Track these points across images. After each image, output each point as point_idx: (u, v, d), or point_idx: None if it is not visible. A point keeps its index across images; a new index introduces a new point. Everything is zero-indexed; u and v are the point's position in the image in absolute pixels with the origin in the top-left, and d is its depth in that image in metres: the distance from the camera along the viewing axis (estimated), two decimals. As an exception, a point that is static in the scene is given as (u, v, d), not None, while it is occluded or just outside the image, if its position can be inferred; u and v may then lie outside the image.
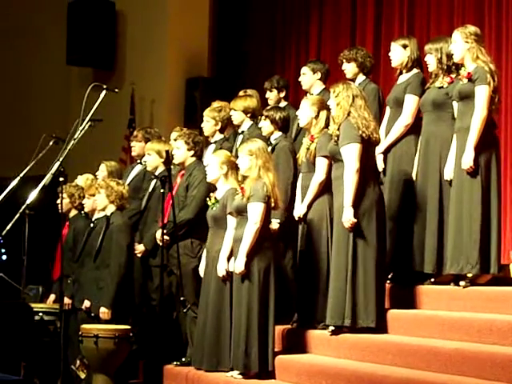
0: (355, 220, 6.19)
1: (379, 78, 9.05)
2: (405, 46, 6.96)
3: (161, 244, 6.83)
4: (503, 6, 8.47)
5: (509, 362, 5.15)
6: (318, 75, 7.68)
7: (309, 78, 7.70)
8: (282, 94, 8.06)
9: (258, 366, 6.30)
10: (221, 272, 6.59)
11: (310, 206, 6.71)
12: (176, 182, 7.39)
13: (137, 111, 11.07)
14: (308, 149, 6.77)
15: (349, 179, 6.23)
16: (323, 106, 6.79)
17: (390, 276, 6.84)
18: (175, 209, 6.85)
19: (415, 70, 6.94)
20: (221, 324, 6.60)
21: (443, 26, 8.86)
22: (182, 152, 7.39)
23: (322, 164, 6.66)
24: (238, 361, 6.35)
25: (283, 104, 7.97)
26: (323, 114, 6.77)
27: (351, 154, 6.25)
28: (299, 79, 7.81)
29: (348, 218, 6.19)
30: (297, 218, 6.82)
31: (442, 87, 6.65)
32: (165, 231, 6.78)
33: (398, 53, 6.99)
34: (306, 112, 6.84)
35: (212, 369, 6.60)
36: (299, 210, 6.79)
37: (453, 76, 6.63)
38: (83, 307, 7.51)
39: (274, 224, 6.88)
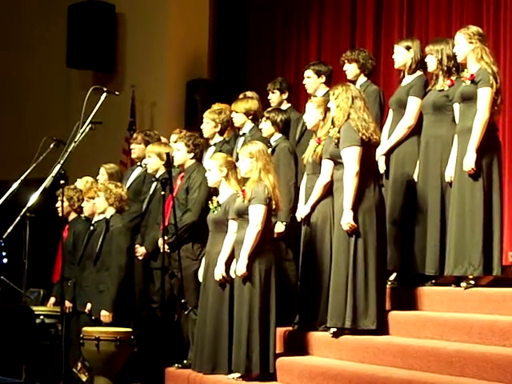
0: (355, 225, 6.19)
1: (379, 80, 9.06)
2: (408, 48, 6.94)
3: (162, 250, 6.82)
4: (501, 7, 8.49)
5: (510, 363, 5.14)
6: (323, 78, 7.61)
7: (313, 82, 7.63)
8: (285, 96, 8.01)
9: (260, 368, 6.29)
10: (218, 276, 6.57)
11: (313, 208, 6.68)
12: (176, 185, 7.38)
13: (137, 113, 11.07)
14: (314, 151, 6.74)
15: (348, 182, 6.23)
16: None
17: (391, 277, 6.85)
18: (176, 211, 6.85)
19: (418, 73, 6.92)
20: (219, 327, 6.57)
21: (442, 28, 8.91)
22: (181, 154, 7.38)
23: (327, 166, 6.61)
24: (240, 363, 6.33)
25: (286, 106, 7.93)
26: (329, 114, 6.74)
27: (351, 157, 6.24)
28: (303, 82, 7.74)
29: (347, 220, 6.19)
30: (299, 220, 6.80)
31: (443, 90, 6.65)
32: (166, 238, 6.76)
33: (402, 55, 6.97)
34: (312, 114, 6.81)
35: (209, 372, 6.58)
36: (302, 212, 6.77)
37: (453, 78, 6.63)
38: (86, 310, 7.51)
39: (280, 226, 6.87)
